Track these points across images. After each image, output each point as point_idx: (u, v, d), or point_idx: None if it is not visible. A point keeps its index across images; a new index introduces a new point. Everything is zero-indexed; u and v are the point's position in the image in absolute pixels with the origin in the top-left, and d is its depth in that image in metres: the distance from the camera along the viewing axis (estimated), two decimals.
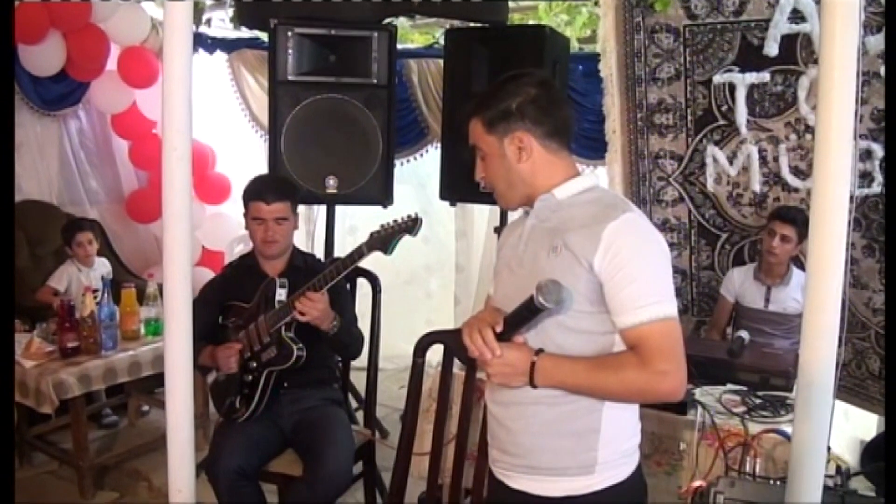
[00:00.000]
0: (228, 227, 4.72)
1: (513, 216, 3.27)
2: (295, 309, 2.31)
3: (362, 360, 2.73)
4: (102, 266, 3.84)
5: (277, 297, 2.42)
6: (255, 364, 2.44)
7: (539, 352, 1.41)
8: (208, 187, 4.68)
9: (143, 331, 3.28)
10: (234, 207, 4.72)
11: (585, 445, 1.45)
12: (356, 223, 4.50)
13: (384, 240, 2.20)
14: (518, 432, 1.49)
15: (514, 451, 1.51)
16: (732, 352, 2.41)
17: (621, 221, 1.39)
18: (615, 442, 1.47)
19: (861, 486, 1.95)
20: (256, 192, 2.52)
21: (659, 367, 1.35)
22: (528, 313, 1.37)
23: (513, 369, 1.41)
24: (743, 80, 2.95)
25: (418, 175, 4.57)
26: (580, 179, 1.51)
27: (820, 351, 1.31)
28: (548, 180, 1.50)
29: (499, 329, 1.40)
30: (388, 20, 3.36)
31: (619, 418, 1.47)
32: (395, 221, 2.20)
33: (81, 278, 3.69)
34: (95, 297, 3.13)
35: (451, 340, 2.15)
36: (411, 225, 2.18)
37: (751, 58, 2.93)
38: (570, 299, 1.38)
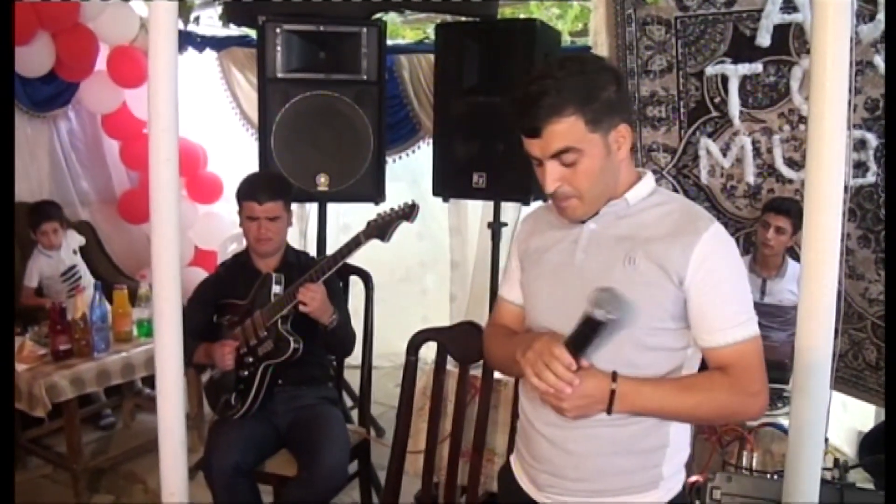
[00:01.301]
0: (221, 227, 4.69)
1: (508, 213, 3.31)
2: (297, 298, 2.29)
3: (356, 358, 2.72)
4: (72, 240, 3.78)
5: (273, 292, 2.41)
6: (251, 359, 2.43)
7: (614, 375, 1.26)
8: (200, 187, 4.65)
9: (135, 332, 3.26)
10: (226, 206, 4.69)
11: (653, 462, 1.38)
12: (349, 221, 4.48)
13: (382, 227, 2.20)
14: (583, 455, 1.37)
15: (574, 476, 1.39)
16: None
17: (713, 233, 1.29)
18: (678, 454, 1.42)
19: (859, 478, 1.94)
20: (249, 191, 2.50)
21: (752, 387, 1.29)
22: (589, 332, 1.19)
23: (591, 400, 1.25)
24: (735, 72, 2.94)
25: (411, 171, 4.53)
26: (646, 181, 1.39)
27: (815, 337, 1.30)
28: (626, 180, 1.37)
29: (566, 360, 1.22)
30: (377, 16, 3.35)
31: (682, 431, 1.42)
32: (391, 209, 2.21)
33: (52, 263, 3.66)
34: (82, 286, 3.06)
35: (444, 338, 2.13)
36: (408, 211, 2.18)
37: (743, 49, 2.92)
38: (630, 305, 1.22)
